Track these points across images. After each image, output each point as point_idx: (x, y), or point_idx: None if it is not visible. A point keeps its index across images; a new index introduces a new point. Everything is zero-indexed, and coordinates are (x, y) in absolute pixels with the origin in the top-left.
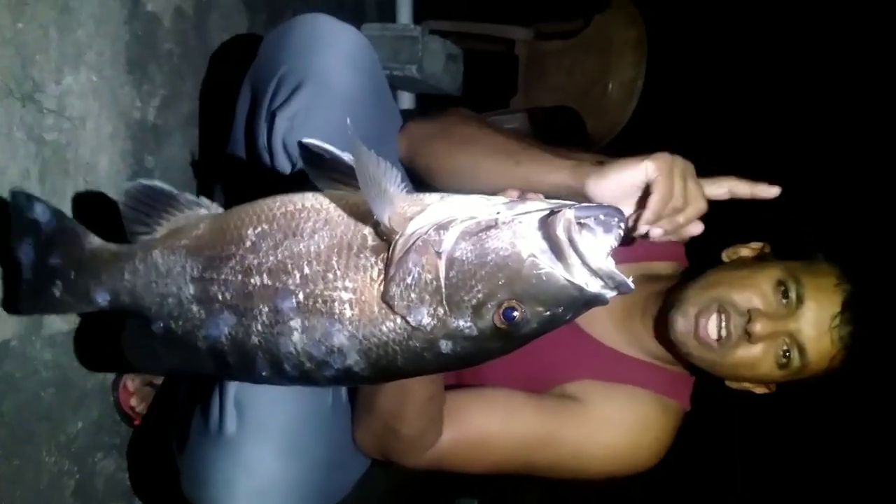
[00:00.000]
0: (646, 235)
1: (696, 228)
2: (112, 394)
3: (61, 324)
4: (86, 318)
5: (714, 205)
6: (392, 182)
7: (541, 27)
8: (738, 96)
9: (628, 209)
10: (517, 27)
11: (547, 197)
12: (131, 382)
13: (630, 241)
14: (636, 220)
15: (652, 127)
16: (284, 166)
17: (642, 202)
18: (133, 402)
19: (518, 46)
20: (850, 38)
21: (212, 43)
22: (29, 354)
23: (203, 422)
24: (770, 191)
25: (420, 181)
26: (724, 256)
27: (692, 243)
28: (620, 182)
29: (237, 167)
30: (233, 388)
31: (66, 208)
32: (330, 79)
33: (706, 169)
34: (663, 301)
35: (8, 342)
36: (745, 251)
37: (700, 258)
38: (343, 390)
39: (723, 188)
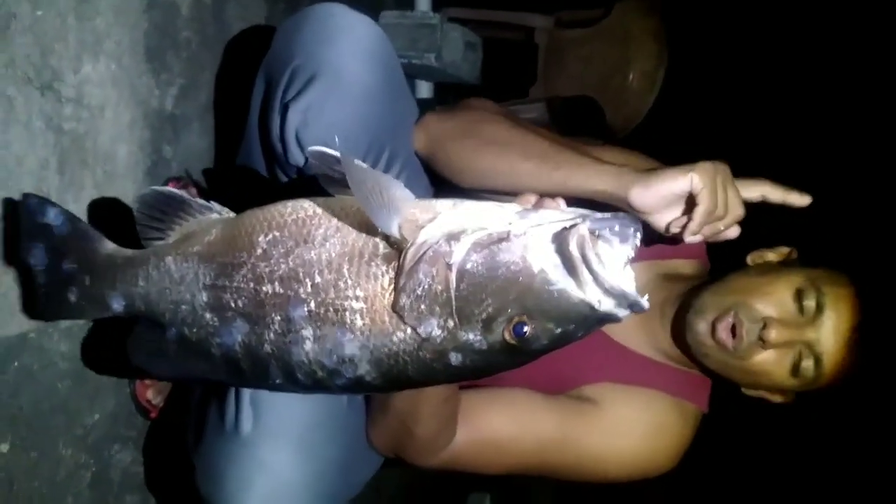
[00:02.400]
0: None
1: (733, 233)
2: (128, 386)
3: None
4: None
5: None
6: (395, 190)
7: (561, 15)
8: (763, 88)
9: (672, 216)
10: (537, 15)
11: (577, 203)
12: None
13: (653, 243)
14: (682, 229)
15: (673, 118)
16: (298, 159)
17: (685, 210)
18: (149, 394)
19: (537, 35)
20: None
21: (230, 31)
22: (46, 346)
23: (219, 420)
24: (802, 199)
25: (438, 176)
26: (749, 260)
27: (717, 244)
28: (665, 192)
29: (252, 159)
30: None
31: (85, 199)
32: (343, 71)
33: (732, 164)
34: (681, 303)
35: (25, 335)
36: (771, 256)
37: (724, 258)
38: None
39: (755, 192)
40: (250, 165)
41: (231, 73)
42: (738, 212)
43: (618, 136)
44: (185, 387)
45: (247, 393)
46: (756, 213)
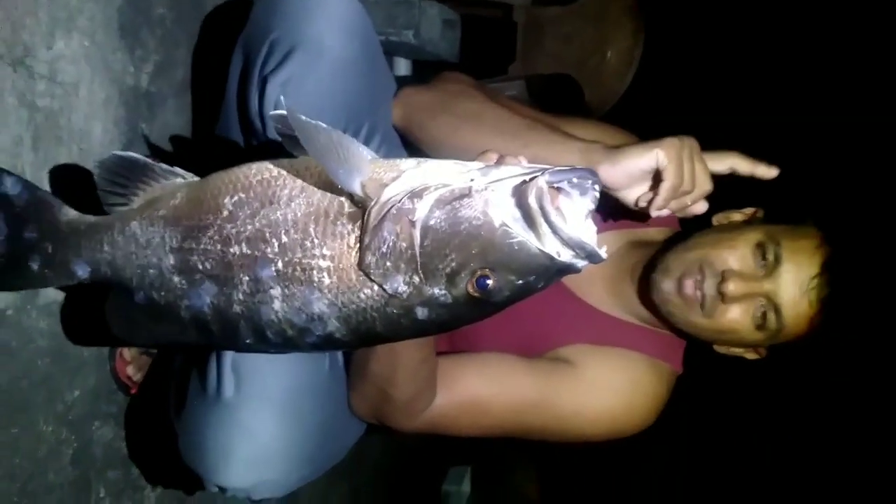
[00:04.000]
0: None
1: (701, 207)
2: (109, 362)
3: (56, 293)
4: (80, 288)
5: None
6: (353, 148)
7: None
8: (738, 65)
9: (639, 192)
10: None
11: None
12: (128, 351)
13: (625, 213)
14: (648, 203)
15: (651, 96)
16: (277, 133)
17: (652, 186)
18: (130, 370)
19: (516, 12)
20: (855, 9)
21: (204, 8)
22: (25, 324)
23: (200, 386)
24: (769, 172)
25: (416, 148)
26: (714, 221)
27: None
28: (631, 169)
29: (230, 134)
30: (230, 352)
31: (60, 176)
32: (322, 45)
33: (705, 140)
34: (647, 265)
35: (3, 311)
36: (737, 216)
37: (696, 221)
38: (339, 355)
39: (725, 165)
40: (228, 141)
41: (206, 49)
42: (705, 187)
43: (596, 113)
44: (166, 362)
45: (228, 358)
46: (728, 178)
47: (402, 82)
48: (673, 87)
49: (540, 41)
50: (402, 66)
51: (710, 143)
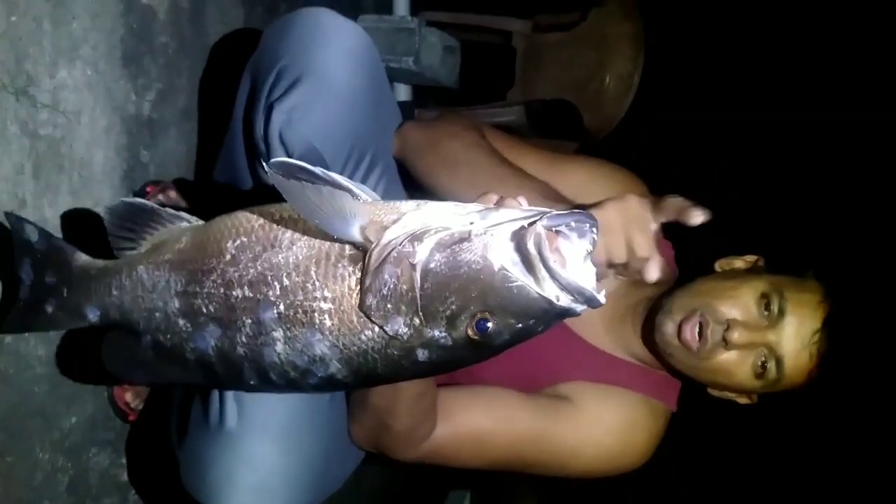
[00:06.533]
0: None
1: (651, 274)
2: (106, 389)
3: None
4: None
5: (716, 216)
6: (346, 198)
7: (538, 19)
8: (736, 91)
9: None
10: (515, 19)
11: None
12: None
13: None
14: None
15: (649, 121)
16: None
17: None
18: (128, 397)
19: (515, 38)
20: (859, 36)
21: (207, 36)
22: (22, 351)
23: (203, 415)
24: (695, 219)
25: (414, 181)
26: (717, 266)
27: (690, 252)
28: None
29: (235, 157)
30: None
31: (61, 205)
32: (329, 74)
33: (706, 167)
34: (651, 306)
35: (2, 339)
36: (739, 263)
37: (695, 266)
38: None
39: (667, 214)
40: (233, 163)
41: (209, 77)
42: (641, 253)
43: (595, 138)
44: (165, 388)
45: None
46: (729, 223)
47: (402, 108)
48: (672, 112)
49: (539, 67)
50: (402, 92)
51: (708, 169)
